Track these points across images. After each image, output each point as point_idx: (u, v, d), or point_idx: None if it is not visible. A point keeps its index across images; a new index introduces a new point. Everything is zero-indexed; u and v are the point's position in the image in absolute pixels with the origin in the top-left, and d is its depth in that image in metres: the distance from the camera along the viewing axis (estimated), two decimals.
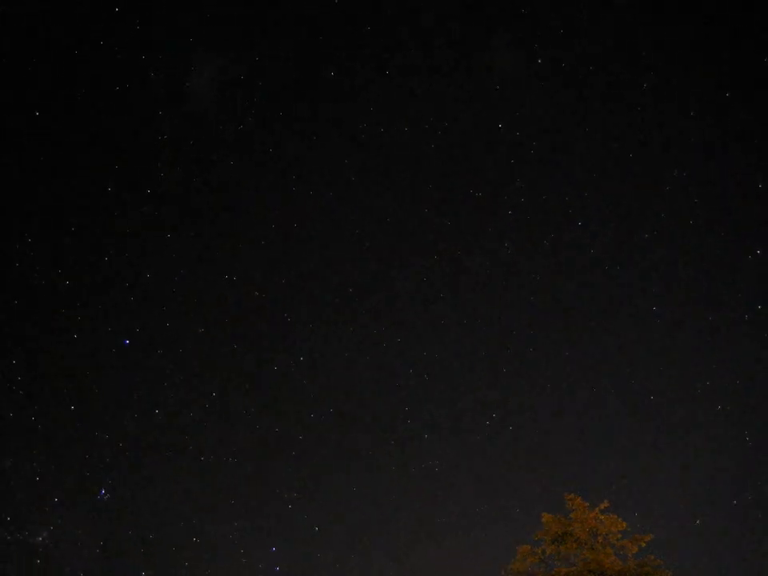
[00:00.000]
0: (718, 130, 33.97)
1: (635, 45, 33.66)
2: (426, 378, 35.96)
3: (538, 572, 21.51)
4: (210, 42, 33.37)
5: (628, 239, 35.59)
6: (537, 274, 35.82)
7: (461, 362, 36.06)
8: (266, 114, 34.29)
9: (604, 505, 21.53)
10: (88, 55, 32.11)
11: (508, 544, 29.94)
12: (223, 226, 35.62)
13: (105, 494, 32.91)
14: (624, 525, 21.23)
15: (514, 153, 34.95)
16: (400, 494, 35.10)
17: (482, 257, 35.84)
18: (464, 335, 36.18)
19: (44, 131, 32.71)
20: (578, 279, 35.87)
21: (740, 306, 34.47)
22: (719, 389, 34.51)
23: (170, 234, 34.56)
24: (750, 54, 32.30)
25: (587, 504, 21.57)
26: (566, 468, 34.30)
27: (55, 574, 32.26)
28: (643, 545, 21.06)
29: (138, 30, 32.17)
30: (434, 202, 36.13)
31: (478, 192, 35.54)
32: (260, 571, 33.38)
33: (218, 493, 34.66)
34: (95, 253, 34.01)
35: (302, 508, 34.80)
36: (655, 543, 21.26)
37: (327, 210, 35.60)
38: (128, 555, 32.95)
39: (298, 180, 35.16)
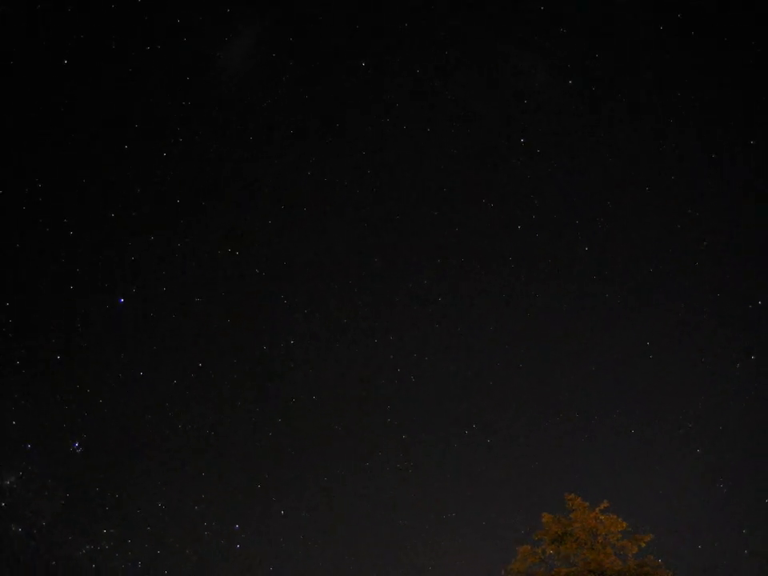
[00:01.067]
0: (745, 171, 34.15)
1: (666, 76, 33.93)
2: (425, 377, 36.03)
3: (538, 572, 21.55)
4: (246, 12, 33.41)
5: (633, 269, 35.68)
6: (539, 281, 35.86)
7: (460, 361, 36.11)
8: (292, 95, 34.23)
9: (604, 505, 21.59)
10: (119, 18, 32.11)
11: (508, 544, 30.01)
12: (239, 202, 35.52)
13: (78, 447, 32.75)
14: (624, 525, 21.28)
15: (531, 167, 35.08)
16: (400, 494, 35.14)
17: (485, 266, 35.90)
18: (464, 335, 36.26)
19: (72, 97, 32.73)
20: (579, 290, 35.87)
21: (739, 309, 34.61)
22: (720, 389, 34.62)
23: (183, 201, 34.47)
24: None
25: (587, 504, 21.63)
26: (565, 468, 34.37)
27: (19, 517, 32.07)
28: (643, 545, 21.12)
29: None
30: (446, 204, 36.05)
31: (491, 203, 35.62)
32: (222, 547, 33.48)
33: (188, 464, 34.49)
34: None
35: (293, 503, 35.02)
36: (655, 543, 21.36)
37: (334, 197, 35.53)
38: (92, 510, 32.86)
39: (315, 164, 35.04)
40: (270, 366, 35.70)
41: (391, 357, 35.82)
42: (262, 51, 33.99)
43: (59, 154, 33.07)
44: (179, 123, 33.69)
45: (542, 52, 34.18)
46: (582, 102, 35.02)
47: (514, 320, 35.83)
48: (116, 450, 33.82)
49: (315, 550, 34.15)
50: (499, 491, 34.60)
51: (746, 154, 34.10)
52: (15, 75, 31.98)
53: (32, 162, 32.82)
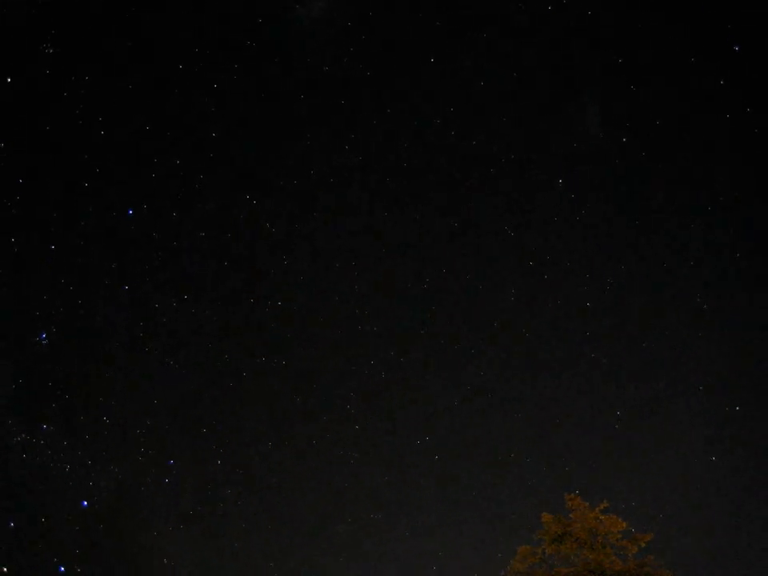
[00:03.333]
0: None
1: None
2: (424, 377, 36.05)
3: (537, 572, 21.51)
4: None
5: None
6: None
7: (460, 361, 36.12)
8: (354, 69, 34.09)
9: (604, 505, 21.56)
10: None
11: (508, 544, 30.01)
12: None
13: (44, 339, 32.69)
14: (624, 525, 21.26)
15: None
16: (399, 495, 35.17)
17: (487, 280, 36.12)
18: (465, 333, 36.27)
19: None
20: (579, 290, 35.96)
21: (739, 311, 34.67)
22: (720, 389, 34.62)
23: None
24: None
25: (587, 504, 21.62)
26: (565, 468, 34.37)
27: None
28: (643, 545, 21.10)
29: None
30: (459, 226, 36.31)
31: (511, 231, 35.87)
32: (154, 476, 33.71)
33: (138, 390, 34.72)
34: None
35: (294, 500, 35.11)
36: (655, 543, 21.36)
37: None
38: (47, 400, 32.93)
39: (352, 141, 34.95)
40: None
41: (392, 357, 36.06)
42: None
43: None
44: None
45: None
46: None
47: (514, 319, 35.97)
48: (83, 341, 33.63)
49: (313, 549, 34.32)
50: (499, 491, 34.69)
51: None
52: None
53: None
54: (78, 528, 32.52)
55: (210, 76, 33.37)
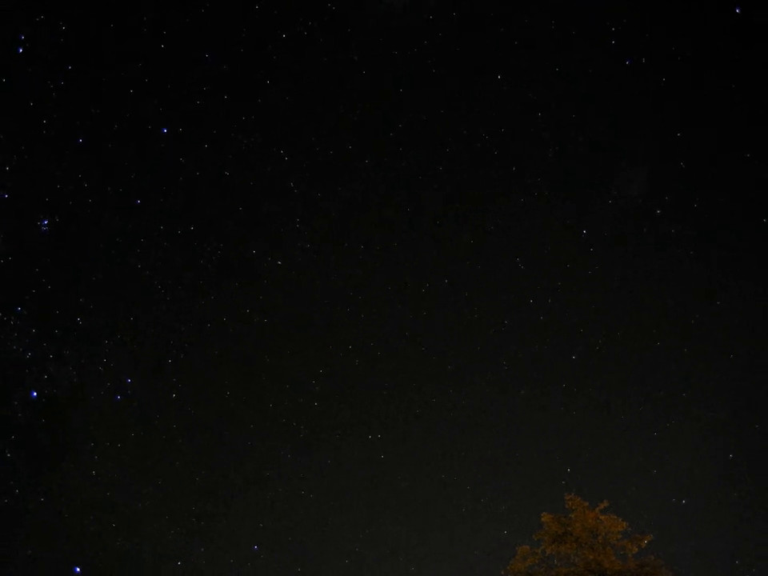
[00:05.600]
0: None
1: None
2: (423, 376, 36.13)
3: (538, 572, 21.53)
4: None
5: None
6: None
7: (459, 361, 36.18)
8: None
9: (604, 505, 21.63)
10: None
11: (508, 544, 30.04)
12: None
13: (45, 225, 32.34)
14: (624, 525, 21.32)
15: None
16: (399, 495, 35.20)
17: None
18: (466, 332, 36.34)
19: None
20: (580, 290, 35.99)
21: (737, 313, 34.72)
22: (721, 389, 34.67)
23: None
24: None
25: (587, 504, 21.67)
26: (565, 468, 34.40)
27: None
28: (643, 545, 21.15)
29: None
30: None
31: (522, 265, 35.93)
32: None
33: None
34: None
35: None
36: (655, 543, 21.39)
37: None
38: (31, 284, 32.75)
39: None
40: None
41: (393, 357, 36.14)
42: None
43: None
44: None
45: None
46: None
47: (515, 319, 36.01)
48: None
49: (310, 548, 34.34)
50: (499, 491, 34.72)
51: None
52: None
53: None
54: (19, 415, 32.66)
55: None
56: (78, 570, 32.71)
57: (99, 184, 33.53)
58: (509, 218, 35.59)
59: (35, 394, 32.63)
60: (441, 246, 36.31)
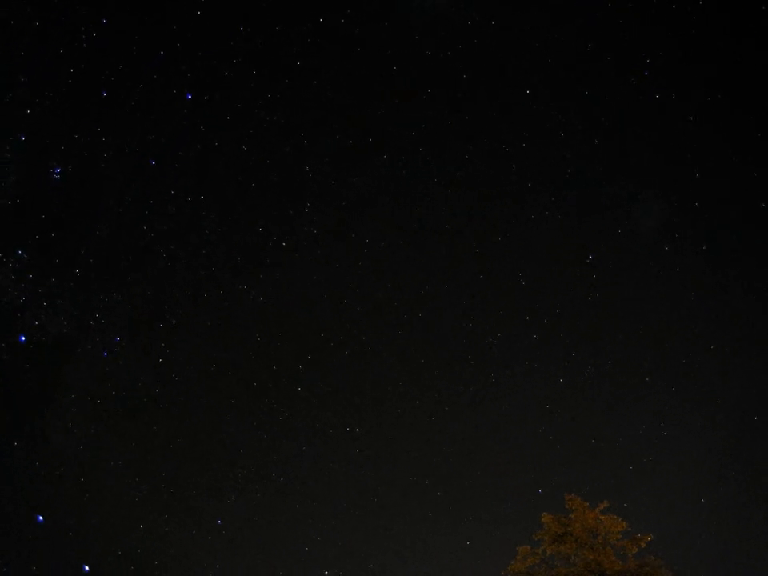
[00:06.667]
0: None
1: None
2: (423, 376, 36.19)
3: (538, 572, 21.52)
4: None
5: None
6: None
7: (459, 360, 36.28)
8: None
9: (604, 505, 21.68)
10: None
11: (508, 544, 30.04)
12: None
13: (58, 173, 32.50)
14: (624, 525, 21.37)
15: None
16: (399, 495, 35.14)
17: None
18: (466, 331, 36.54)
19: None
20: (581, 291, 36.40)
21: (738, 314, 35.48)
22: (721, 389, 35.21)
23: None
24: None
25: (587, 504, 21.71)
26: (565, 468, 34.54)
27: None
28: (643, 545, 21.17)
29: None
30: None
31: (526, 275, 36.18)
32: None
33: None
34: None
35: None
36: (655, 543, 21.60)
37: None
38: (37, 229, 32.90)
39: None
40: None
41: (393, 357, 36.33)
42: None
43: None
44: None
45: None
46: None
47: (515, 319, 36.27)
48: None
49: (310, 547, 34.16)
50: (499, 491, 34.73)
51: None
52: None
53: None
54: (4, 357, 32.71)
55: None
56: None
57: (117, 139, 33.40)
58: (517, 232, 35.84)
59: (23, 338, 32.47)
60: (445, 250, 36.56)
